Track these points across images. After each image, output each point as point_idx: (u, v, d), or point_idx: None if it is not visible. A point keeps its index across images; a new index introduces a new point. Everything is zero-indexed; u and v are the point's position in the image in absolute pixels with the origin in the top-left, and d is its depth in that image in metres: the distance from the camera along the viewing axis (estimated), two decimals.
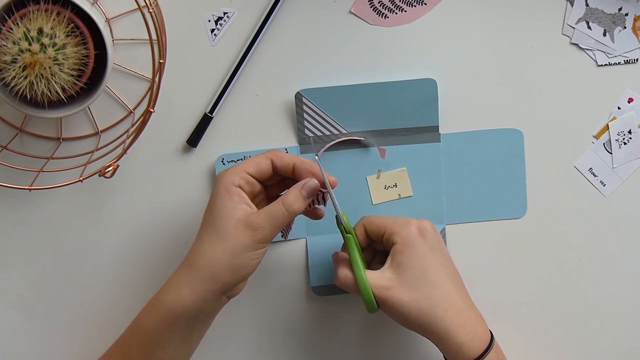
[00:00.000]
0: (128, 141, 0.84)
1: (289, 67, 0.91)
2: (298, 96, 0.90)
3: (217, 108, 0.90)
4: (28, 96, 0.81)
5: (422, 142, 0.91)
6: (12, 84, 0.80)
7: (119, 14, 0.89)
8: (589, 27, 0.91)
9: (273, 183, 0.85)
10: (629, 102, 0.93)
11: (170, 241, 0.93)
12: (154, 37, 0.78)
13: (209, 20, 0.90)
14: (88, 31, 0.81)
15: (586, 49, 0.92)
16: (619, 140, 0.93)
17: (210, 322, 0.84)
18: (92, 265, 0.93)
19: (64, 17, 0.80)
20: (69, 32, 0.80)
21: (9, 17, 0.80)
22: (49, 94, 0.81)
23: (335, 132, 0.91)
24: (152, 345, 0.82)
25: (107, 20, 0.88)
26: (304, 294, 0.94)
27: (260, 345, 0.94)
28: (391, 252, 0.82)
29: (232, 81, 0.90)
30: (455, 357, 0.80)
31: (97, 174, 0.83)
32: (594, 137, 0.93)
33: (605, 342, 0.95)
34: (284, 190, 0.86)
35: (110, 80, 0.88)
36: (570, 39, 0.92)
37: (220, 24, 0.90)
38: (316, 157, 0.82)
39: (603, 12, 0.91)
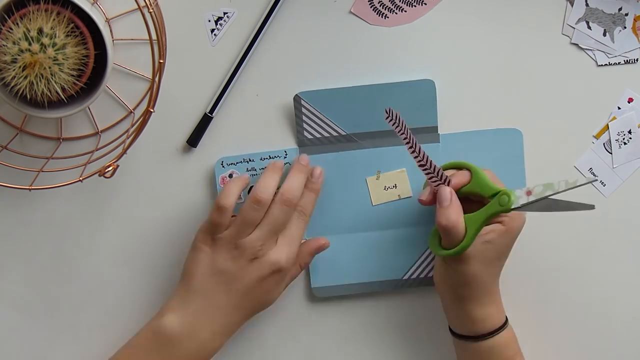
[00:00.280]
0: (128, 141, 0.84)
1: (289, 67, 0.91)
2: (297, 99, 0.90)
3: (217, 108, 0.90)
4: (28, 96, 0.81)
5: (421, 143, 0.91)
6: (12, 84, 0.80)
7: (119, 14, 0.89)
8: (589, 27, 0.91)
9: None
10: (629, 102, 0.93)
11: (170, 241, 0.93)
12: (154, 37, 0.78)
13: (209, 20, 0.90)
14: (88, 31, 0.81)
15: (586, 49, 0.92)
16: (619, 140, 0.93)
17: None
18: (92, 265, 0.93)
19: (64, 17, 0.80)
20: (69, 32, 0.80)
21: (9, 17, 0.80)
22: (49, 94, 0.81)
23: (335, 133, 0.91)
24: None
25: (107, 20, 0.88)
26: (305, 296, 0.94)
27: (260, 345, 0.94)
28: (491, 227, 0.85)
29: (232, 81, 0.90)
30: (476, 324, 0.86)
31: (97, 174, 0.83)
32: (594, 137, 0.93)
33: (605, 342, 0.95)
34: None
35: (110, 80, 0.88)
36: (570, 39, 0.92)
37: (220, 24, 0.90)
38: None
39: (603, 12, 0.91)
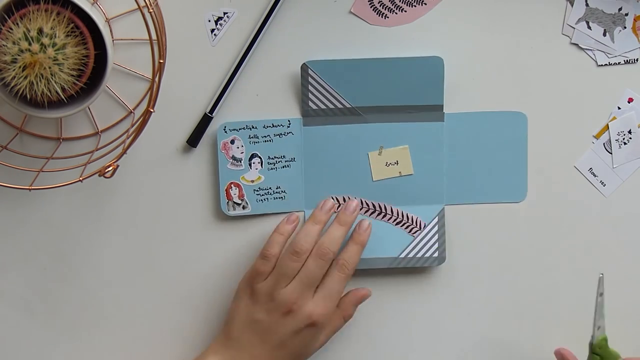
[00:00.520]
0: (128, 141, 0.84)
1: (289, 66, 0.91)
2: (304, 67, 0.90)
3: (217, 108, 0.90)
4: (28, 96, 0.81)
5: (426, 121, 0.91)
6: (12, 84, 0.80)
7: (119, 14, 0.89)
8: (589, 27, 0.91)
9: None
10: (629, 102, 0.93)
11: (170, 241, 0.93)
12: (154, 37, 0.78)
13: (209, 20, 0.90)
14: (88, 31, 0.81)
15: (586, 49, 0.92)
16: (619, 140, 0.93)
17: None
18: (92, 265, 0.93)
19: (64, 17, 0.80)
20: (69, 32, 0.80)
21: (9, 17, 0.80)
22: (49, 94, 0.81)
23: (340, 106, 0.91)
24: None
25: (107, 20, 0.88)
26: None
27: None
28: None
29: (232, 81, 0.90)
30: None
31: (97, 174, 0.83)
32: (594, 137, 0.93)
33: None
34: None
35: (110, 80, 0.88)
36: (570, 39, 0.92)
37: (220, 24, 0.90)
38: None
39: (603, 12, 0.91)
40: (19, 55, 0.79)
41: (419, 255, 0.93)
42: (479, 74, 0.92)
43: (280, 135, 0.91)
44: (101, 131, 0.91)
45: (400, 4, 0.91)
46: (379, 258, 0.92)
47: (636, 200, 0.94)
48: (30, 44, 0.79)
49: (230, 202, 0.92)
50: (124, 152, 0.84)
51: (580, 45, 0.92)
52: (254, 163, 0.91)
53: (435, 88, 0.91)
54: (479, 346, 0.95)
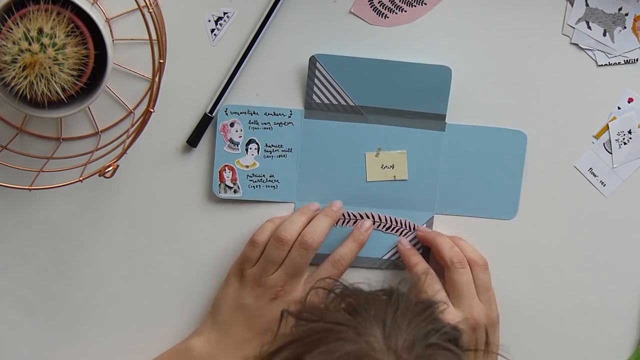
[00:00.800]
0: (128, 141, 0.84)
1: (288, 66, 0.91)
2: (312, 60, 0.90)
3: (217, 108, 0.90)
4: (28, 96, 0.81)
5: (427, 129, 0.91)
6: (12, 84, 0.80)
7: (119, 14, 0.89)
8: (589, 27, 0.91)
9: None
10: (629, 102, 0.93)
11: (170, 241, 0.93)
12: (154, 37, 0.78)
13: (209, 20, 0.90)
14: (88, 31, 0.81)
15: (586, 49, 0.92)
16: (619, 140, 0.93)
17: None
18: (92, 265, 0.93)
19: (64, 17, 0.80)
20: (69, 32, 0.80)
21: (9, 17, 0.80)
22: (49, 94, 0.81)
23: (343, 102, 0.91)
24: None
25: (107, 20, 0.88)
26: None
27: None
28: None
29: (232, 81, 0.90)
30: None
31: (97, 174, 0.83)
32: (594, 137, 0.93)
33: (604, 343, 0.95)
34: None
35: (110, 80, 0.88)
36: (570, 39, 0.92)
37: (220, 24, 0.90)
38: None
39: (603, 12, 0.91)
40: (19, 55, 0.79)
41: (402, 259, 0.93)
42: (478, 74, 0.92)
43: (280, 124, 0.91)
44: (101, 131, 0.91)
45: (400, 4, 0.91)
46: (361, 257, 0.92)
47: (636, 200, 0.94)
48: (30, 44, 0.79)
49: (222, 185, 0.92)
50: (124, 152, 0.84)
51: (580, 45, 0.92)
52: (250, 149, 0.92)
53: (440, 97, 0.91)
54: None
